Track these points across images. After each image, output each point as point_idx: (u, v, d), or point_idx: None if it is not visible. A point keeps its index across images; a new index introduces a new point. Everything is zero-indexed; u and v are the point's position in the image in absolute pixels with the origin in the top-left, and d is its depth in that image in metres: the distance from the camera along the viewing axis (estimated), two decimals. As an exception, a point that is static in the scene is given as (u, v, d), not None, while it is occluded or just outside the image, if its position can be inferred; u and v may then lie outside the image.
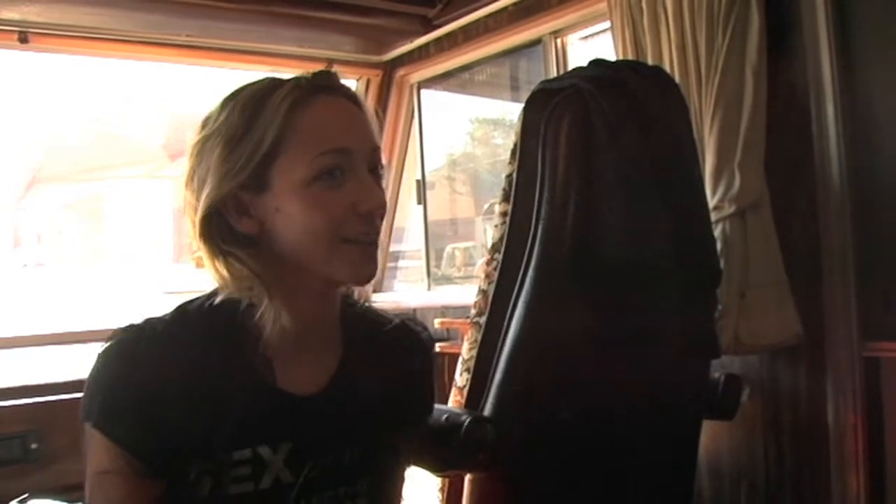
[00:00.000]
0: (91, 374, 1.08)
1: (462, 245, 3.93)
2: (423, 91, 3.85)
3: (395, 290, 4.05)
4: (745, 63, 2.14)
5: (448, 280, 3.81)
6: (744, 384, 2.19)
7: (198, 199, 1.09)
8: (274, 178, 1.08)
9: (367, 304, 1.29)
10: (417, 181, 3.89)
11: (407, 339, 1.30)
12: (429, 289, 3.83)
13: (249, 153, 1.07)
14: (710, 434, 2.29)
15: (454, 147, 4.21)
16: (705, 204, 1.95)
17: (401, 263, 4.15)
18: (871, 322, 2.11)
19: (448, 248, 3.97)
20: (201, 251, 1.11)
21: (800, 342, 2.13)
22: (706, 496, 2.40)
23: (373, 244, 1.12)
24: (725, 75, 2.13)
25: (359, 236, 1.10)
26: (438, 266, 3.91)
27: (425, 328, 1.34)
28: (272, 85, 1.11)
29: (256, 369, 1.11)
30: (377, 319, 1.27)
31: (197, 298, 1.14)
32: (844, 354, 2.12)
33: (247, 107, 1.09)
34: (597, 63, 1.86)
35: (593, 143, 1.68)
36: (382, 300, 3.92)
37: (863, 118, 2.14)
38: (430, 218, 3.90)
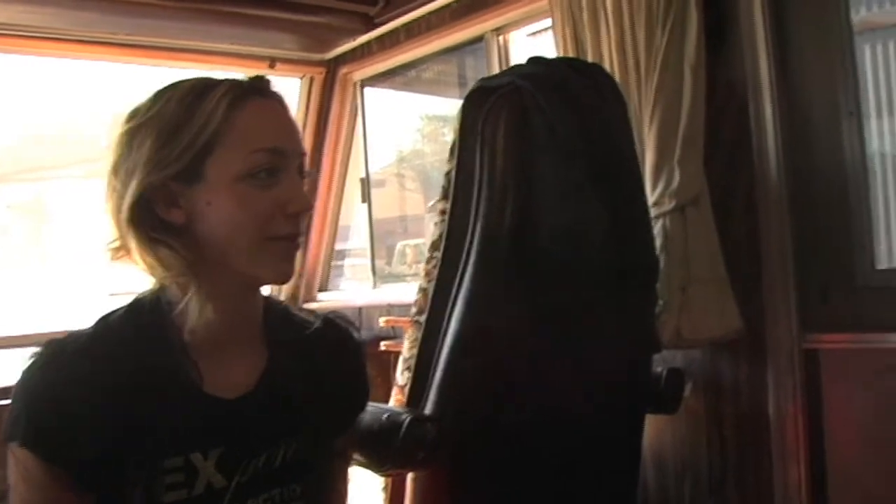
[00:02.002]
0: (14, 392, 1.06)
1: (413, 242, 3.94)
2: (367, 89, 3.83)
3: (341, 289, 4.04)
4: (683, 60, 2.15)
5: (400, 277, 3.81)
6: (686, 378, 2.21)
7: (125, 187, 1.08)
8: (208, 170, 1.08)
9: (287, 304, 1.30)
10: (361, 179, 3.88)
11: (334, 336, 1.30)
12: (374, 287, 3.82)
13: (187, 144, 1.07)
14: (654, 428, 2.31)
15: (403, 144, 4.21)
16: (644, 200, 1.96)
17: (347, 262, 4.15)
18: (810, 315, 2.15)
19: (399, 245, 3.98)
20: (129, 240, 1.10)
21: (740, 336, 2.15)
22: (651, 489, 2.42)
23: (297, 245, 1.14)
24: (664, 73, 2.15)
25: (285, 235, 1.11)
26: (389, 263, 3.91)
27: (352, 324, 1.34)
28: (209, 82, 1.12)
29: (183, 375, 1.10)
30: (302, 318, 1.27)
31: (119, 308, 1.14)
32: (784, 347, 2.14)
33: (185, 98, 1.09)
34: (535, 61, 1.86)
35: (531, 141, 1.68)
36: (328, 299, 3.92)
37: (800, 114, 2.17)
38: (380, 215, 3.90)
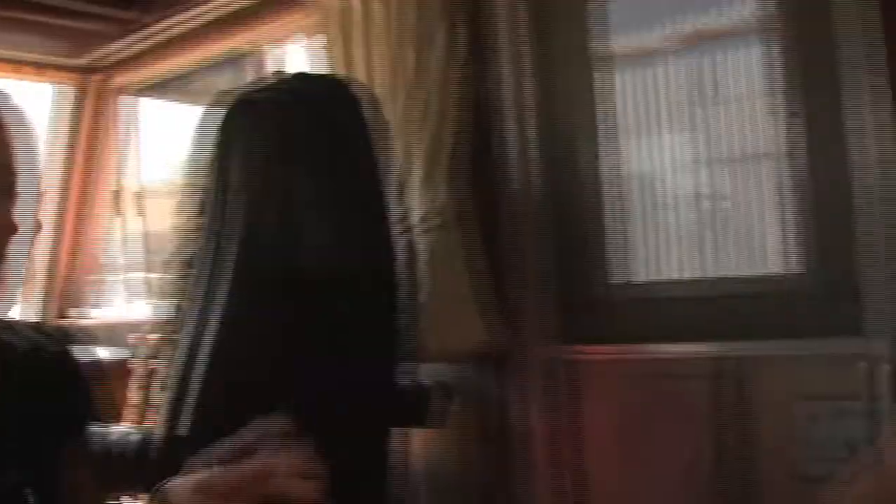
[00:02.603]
0: None
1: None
2: (139, 98, 3.70)
3: (103, 306, 3.86)
4: (450, 78, 2.19)
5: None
6: (455, 392, 2.25)
7: None
8: None
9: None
10: (135, 192, 3.74)
11: (47, 351, 1.23)
12: (132, 303, 3.70)
13: None
14: (422, 442, 2.33)
15: (182, 156, 4.06)
16: (391, 216, 1.98)
17: (112, 277, 3.96)
18: (570, 327, 2.22)
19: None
20: None
21: (503, 349, 2.20)
22: (423, 504, 2.43)
23: None
24: (431, 90, 2.18)
25: None
26: (160, 278, 3.75)
27: (66, 336, 1.29)
28: None
29: None
30: (10, 333, 1.19)
31: None
32: (542, 359, 2.21)
33: None
34: (298, 76, 1.85)
35: (287, 156, 1.67)
36: (85, 316, 3.74)
37: (560, 134, 2.26)
38: (157, 228, 3.75)
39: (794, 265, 1.97)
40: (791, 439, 1.93)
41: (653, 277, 2.22)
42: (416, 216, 2.13)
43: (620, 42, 2.24)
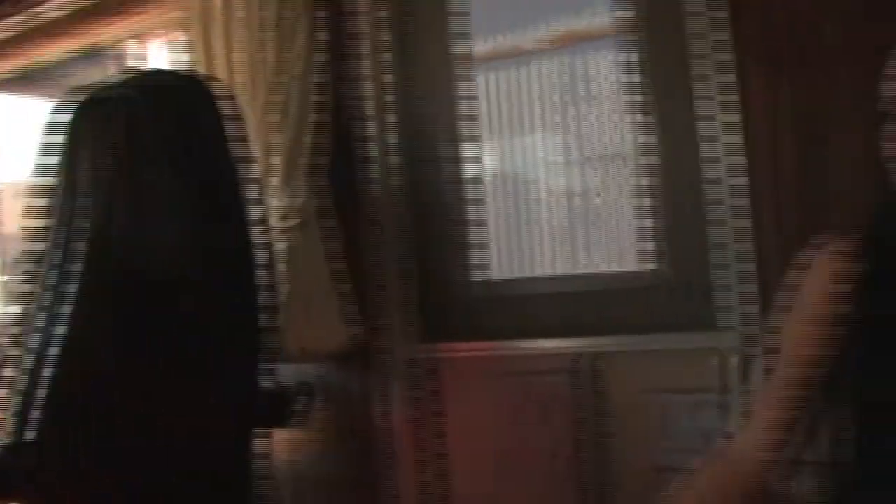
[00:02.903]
0: None
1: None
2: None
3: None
4: (311, 76, 2.19)
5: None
6: (317, 392, 2.24)
7: None
8: None
9: None
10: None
11: None
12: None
13: None
14: (286, 443, 2.31)
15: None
16: (250, 216, 1.96)
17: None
18: (430, 325, 2.25)
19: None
20: None
21: (365, 347, 2.22)
22: (289, 506, 2.42)
23: None
24: (293, 88, 2.17)
25: None
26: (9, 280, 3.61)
27: None
28: None
29: None
30: None
31: None
32: (406, 358, 2.23)
33: None
34: (147, 73, 1.82)
35: (139, 155, 1.63)
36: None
37: (420, 134, 2.28)
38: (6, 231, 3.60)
39: (650, 262, 2.04)
40: (649, 431, 2.00)
41: (514, 275, 2.26)
42: (275, 216, 2.11)
43: (489, 43, 2.28)
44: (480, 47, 2.28)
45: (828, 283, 1.16)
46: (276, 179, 2.14)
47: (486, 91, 2.26)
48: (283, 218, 2.12)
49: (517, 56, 2.26)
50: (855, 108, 1.72)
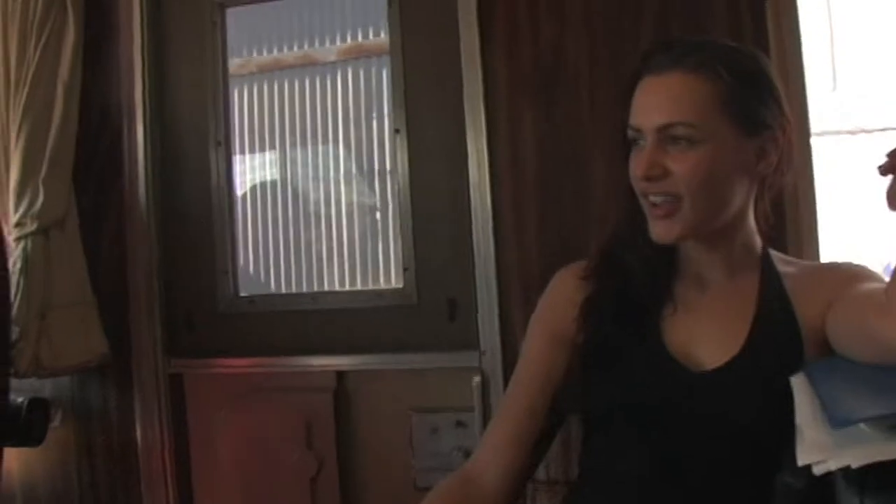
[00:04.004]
0: None
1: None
2: None
3: None
4: (57, 76, 2.09)
5: None
6: (54, 407, 2.14)
7: None
8: None
9: None
10: None
11: None
12: None
13: None
14: (23, 462, 2.21)
15: None
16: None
17: None
18: (175, 340, 2.19)
19: None
20: None
21: (108, 361, 2.13)
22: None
23: None
24: (35, 87, 2.07)
25: None
26: None
27: None
28: None
29: None
30: None
31: None
32: (150, 372, 2.16)
33: None
34: None
35: None
36: None
37: (172, 142, 2.22)
38: None
39: (411, 282, 2.06)
40: (408, 449, 2.03)
41: (268, 291, 2.23)
42: (11, 221, 1.99)
43: (251, 58, 2.25)
44: (239, 60, 2.25)
45: (560, 305, 1.21)
46: (13, 184, 2.03)
47: (247, 103, 2.25)
48: (19, 224, 2.00)
49: (276, 71, 2.24)
50: (599, 134, 1.83)
